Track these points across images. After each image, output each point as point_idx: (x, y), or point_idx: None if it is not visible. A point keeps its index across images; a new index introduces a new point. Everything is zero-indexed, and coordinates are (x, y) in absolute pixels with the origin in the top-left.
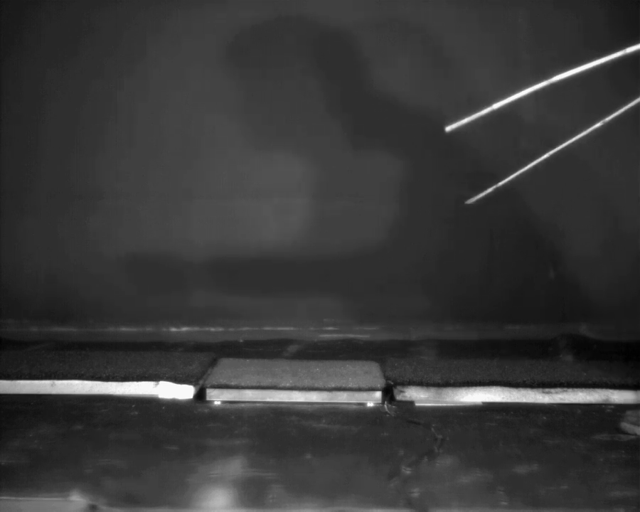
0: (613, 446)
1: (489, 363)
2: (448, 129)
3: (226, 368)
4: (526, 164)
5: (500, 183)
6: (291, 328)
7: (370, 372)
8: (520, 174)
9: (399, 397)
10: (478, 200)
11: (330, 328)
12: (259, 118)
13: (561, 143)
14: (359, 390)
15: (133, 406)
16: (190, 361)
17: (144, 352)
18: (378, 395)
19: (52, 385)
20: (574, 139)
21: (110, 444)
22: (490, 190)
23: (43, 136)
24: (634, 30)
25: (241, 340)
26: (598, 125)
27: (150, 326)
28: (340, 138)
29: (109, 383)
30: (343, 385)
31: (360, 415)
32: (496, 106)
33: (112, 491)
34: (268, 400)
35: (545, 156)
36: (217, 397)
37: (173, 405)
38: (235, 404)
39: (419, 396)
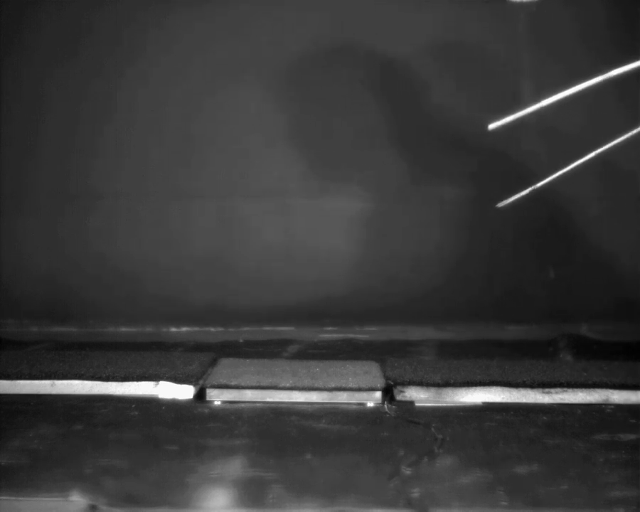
0: (613, 446)
1: (489, 363)
2: (491, 127)
3: (226, 367)
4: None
5: (538, 185)
6: (291, 328)
7: (370, 372)
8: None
9: (399, 397)
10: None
11: (330, 328)
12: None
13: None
14: (359, 390)
15: (133, 406)
16: (190, 361)
17: (144, 352)
18: (378, 395)
19: (52, 385)
20: (614, 143)
21: (110, 444)
22: (526, 192)
23: (43, 136)
24: (634, 29)
25: (241, 340)
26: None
27: (150, 326)
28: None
29: (109, 383)
30: (343, 385)
31: (360, 415)
32: (545, 103)
33: (112, 491)
34: (268, 399)
35: (584, 159)
36: (217, 397)
37: (173, 405)
38: (234, 404)
39: (419, 396)
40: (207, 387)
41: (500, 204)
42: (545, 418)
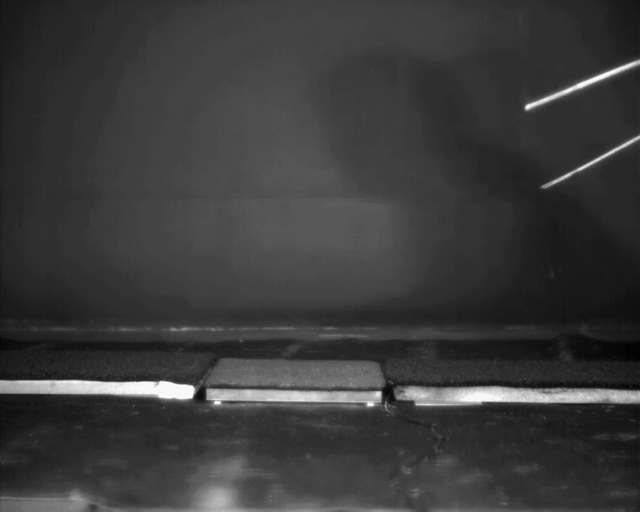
0: (613, 446)
1: (489, 363)
2: (528, 107)
3: (226, 367)
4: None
5: (579, 169)
6: (291, 328)
7: (370, 372)
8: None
9: (399, 397)
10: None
11: (330, 328)
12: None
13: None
14: (359, 389)
15: (133, 406)
16: (190, 361)
17: (144, 352)
18: (378, 394)
19: (52, 385)
20: (633, 141)
21: (110, 444)
22: (567, 175)
23: (43, 136)
24: (633, 29)
25: (241, 340)
26: None
27: (150, 326)
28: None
29: (109, 383)
30: (343, 385)
31: (360, 415)
32: (580, 85)
33: (112, 491)
34: (268, 399)
35: (606, 155)
36: (217, 397)
37: (173, 405)
38: (235, 404)
39: (419, 396)
40: (207, 387)
41: (545, 185)
42: (545, 418)
